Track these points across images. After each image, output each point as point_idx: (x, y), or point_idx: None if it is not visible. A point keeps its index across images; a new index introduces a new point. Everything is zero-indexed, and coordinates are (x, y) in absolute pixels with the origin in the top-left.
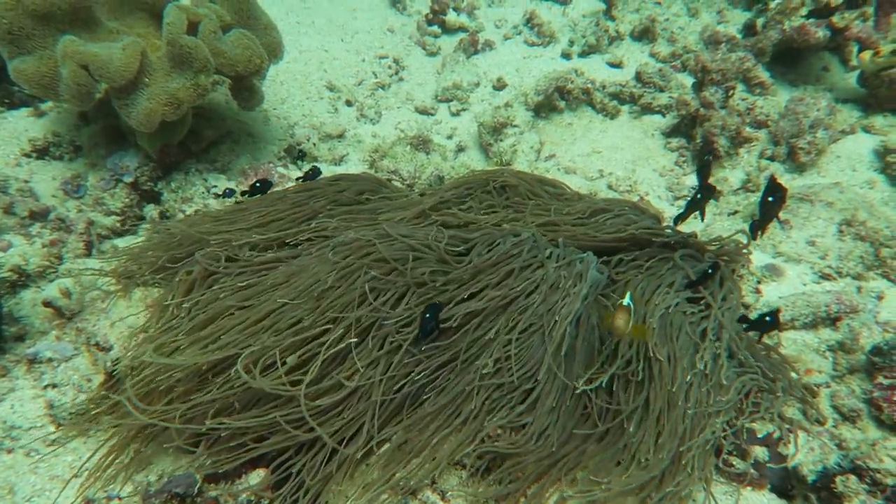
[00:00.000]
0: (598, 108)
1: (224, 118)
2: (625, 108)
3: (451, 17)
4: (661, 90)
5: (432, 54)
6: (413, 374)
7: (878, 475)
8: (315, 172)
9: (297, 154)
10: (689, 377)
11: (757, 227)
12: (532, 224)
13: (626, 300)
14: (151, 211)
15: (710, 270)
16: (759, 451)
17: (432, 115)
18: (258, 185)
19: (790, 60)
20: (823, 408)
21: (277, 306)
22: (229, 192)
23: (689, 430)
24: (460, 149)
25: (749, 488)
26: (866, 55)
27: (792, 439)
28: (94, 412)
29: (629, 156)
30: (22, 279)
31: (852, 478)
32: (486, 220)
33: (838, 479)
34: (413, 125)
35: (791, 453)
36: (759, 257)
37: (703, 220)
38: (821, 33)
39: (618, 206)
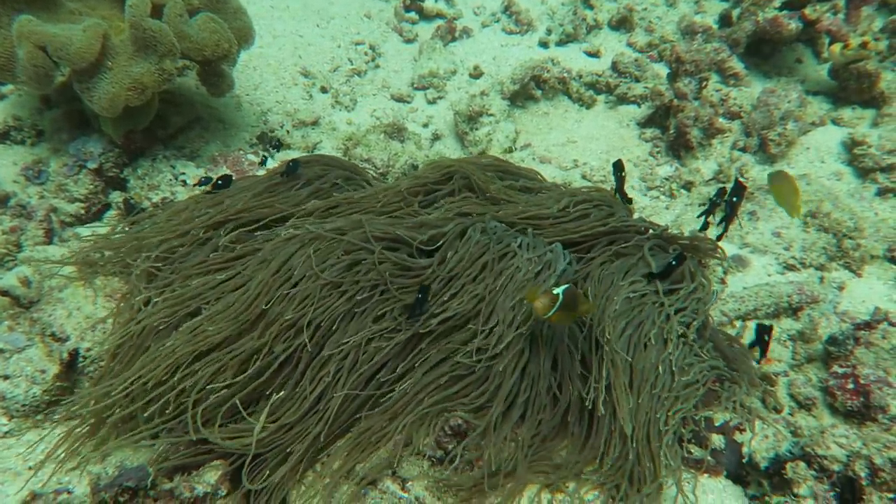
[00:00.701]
0: (575, 98)
1: (193, 104)
2: (601, 97)
3: (429, 4)
4: (637, 80)
5: (409, 41)
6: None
7: (825, 462)
8: (294, 166)
9: (272, 143)
10: (646, 364)
11: (725, 224)
12: (514, 216)
13: (559, 290)
14: (117, 198)
15: (674, 262)
16: (716, 439)
17: (408, 102)
18: (220, 182)
19: (764, 52)
20: (781, 396)
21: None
22: (205, 181)
23: (651, 419)
24: (436, 137)
25: (706, 475)
26: (836, 48)
27: (748, 427)
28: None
29: (604, 146)
30: None
31: (801, 464)
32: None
33: (788, 465)
34: (389, 113)
35: (746, 440)
36: (726, 248)
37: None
38: (793, 25)
39: (591, 196)
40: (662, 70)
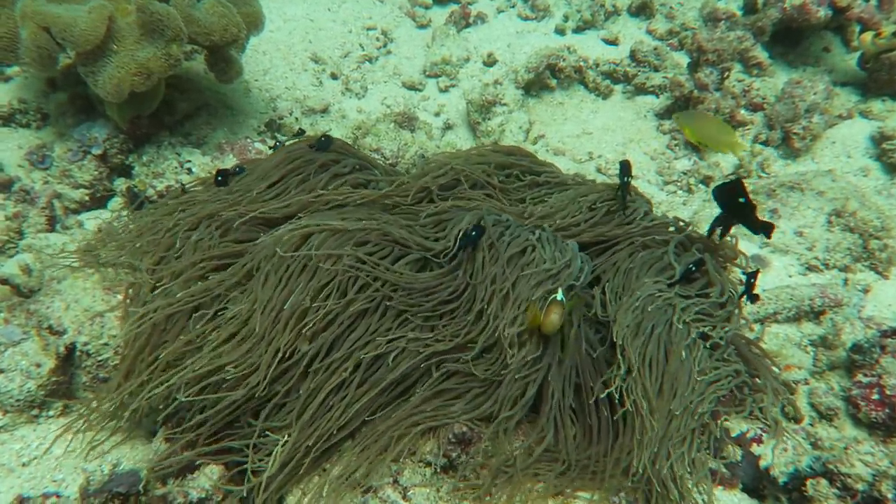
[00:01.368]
0: (591, 88)
1: (201, 89)
2: (618, 87)
3: None
4: (656, 70)
5: (422, 26)
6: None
7: (848, 480)
8: (327, 141)
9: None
10: (669, 370)
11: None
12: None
13: (559, 295)
14: (122, 185)
15: (693, 268)
16: (733, 450)
17: (420, 90)
18: (219, 178)
19: (790, 40)
20: (801, 405)
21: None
22: (240, 170)
23: (674, 426)
24: (448, 127)
25: (721, 487)
26: (867, 36)
27: (772, 439)
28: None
29: (620, 138)
30: None
31: (823, 482)
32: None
33: (809, 482)
34: (400, 101)
35: (764, 453)
36: (745, 247)
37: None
38: (822, 12)
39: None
40: (683, 59)
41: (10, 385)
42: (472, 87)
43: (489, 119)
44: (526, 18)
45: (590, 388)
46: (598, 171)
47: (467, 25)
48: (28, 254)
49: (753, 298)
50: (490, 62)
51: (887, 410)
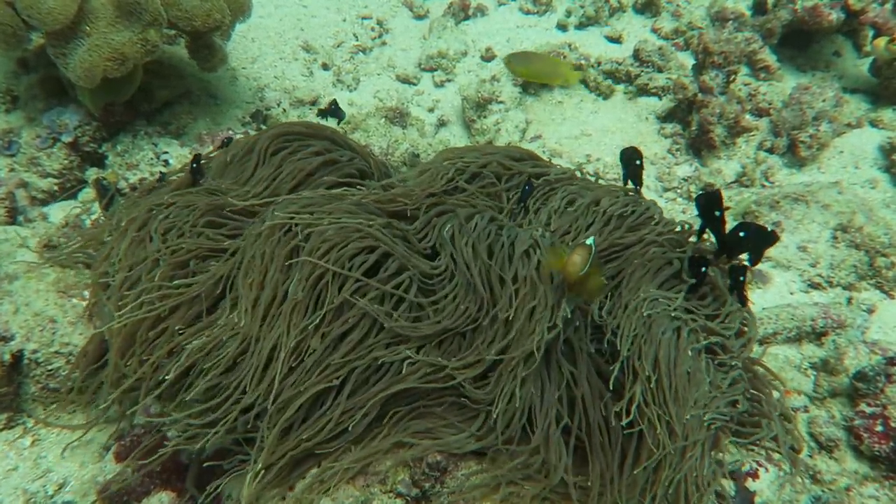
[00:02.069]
0: (592, 87)
1: (183, 76)
2: (620, 87)
3: None
4: (660, 70)
5: (420, 17)
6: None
7: None
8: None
9: (262, 119)
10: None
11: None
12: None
13: (590, 241)
14: (94, 175)
15: (703, 269)
16: (726, 484)
17: (415, 84)
18: (195, 165)
19: (800, 43)
20: (800, 434)
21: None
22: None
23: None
24: (442, 123)
25: None
26: (881, 42)
27: (764, 474)
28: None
29: (620, 140)
30: None
31: None
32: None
33: None
34: (393, 94)
35: (760, 489)
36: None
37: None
38: (834, 16)
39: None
40: (688, 60)
41: None
42: (468, 82)
43: (485, 117)
44: (527, 12)
45: (590, 401)
46: (596, 174)
47: (466, 18)
48: None
49: (742, 300)
50: (488, 57)
51: (892, 444)
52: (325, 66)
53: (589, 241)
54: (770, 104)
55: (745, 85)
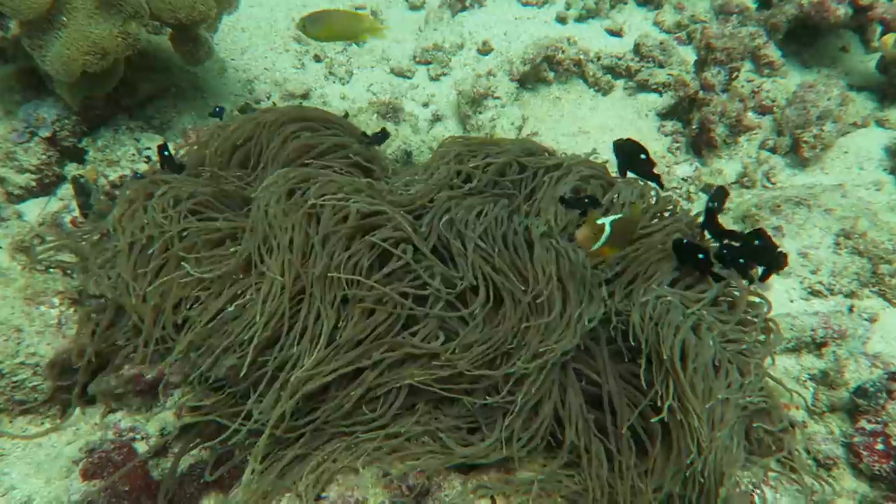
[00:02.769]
0: (591, 82)
1: (169, 68)
2: (619, 82)
3: None
4: (661, 66)
5: (415, 8)
6: None
7: None
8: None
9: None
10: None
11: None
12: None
13: (605, 220)
14: (74, 171)
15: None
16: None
17: (409, 77)
18: (165, 153)
19: (806, 38)
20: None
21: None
22: (219, 111)
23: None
24: (436, 118)
25: None
26: (889, 39)
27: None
28: None
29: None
30: None
31: None
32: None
33: None
34: (387, 88)
35: None
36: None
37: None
38: (842, 10)
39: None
40: (690, 55)
41: None
42: (464, 76)
43: (480, 113)
44: (526, 4)
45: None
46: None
47: (463, 9)
48: None
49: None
50: (485, 50)
51: (892, 463)
52: (317, 58)
53: (605, 220)
54: (773, 102)
55: (749, 81)
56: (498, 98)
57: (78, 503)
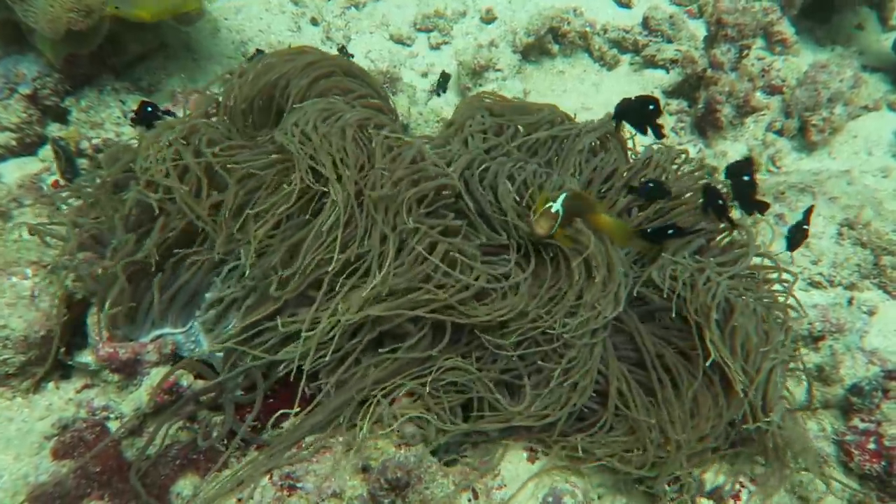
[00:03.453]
0: (596, 57)
1: (159, 27)
2: (626, 57)
3: None
4: (670, 41)
5: None
6: None
7: None
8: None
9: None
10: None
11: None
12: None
13: (556, 204)
14: (56, 132)
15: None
16: None
17: (409, 45)
18: (148, 109)
19: (821, 14)
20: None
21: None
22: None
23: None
24: (436, 89)
25: None
26: None
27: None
28: None
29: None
30: None
31: None
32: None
33: None
34: (385, 56)
35: None
36: None
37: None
38: None
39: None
40: (700, 30)
41: None
42: (465, 46)
43: (480, 85)
44: None
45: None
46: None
47: None
48: None
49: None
50: (489, 19)
51: (883, 463)
52: (314, 21)
53: (556, 204)
54: (784, 81)
55: (759, 59)
56: (500, 70)
57: (46, 483)
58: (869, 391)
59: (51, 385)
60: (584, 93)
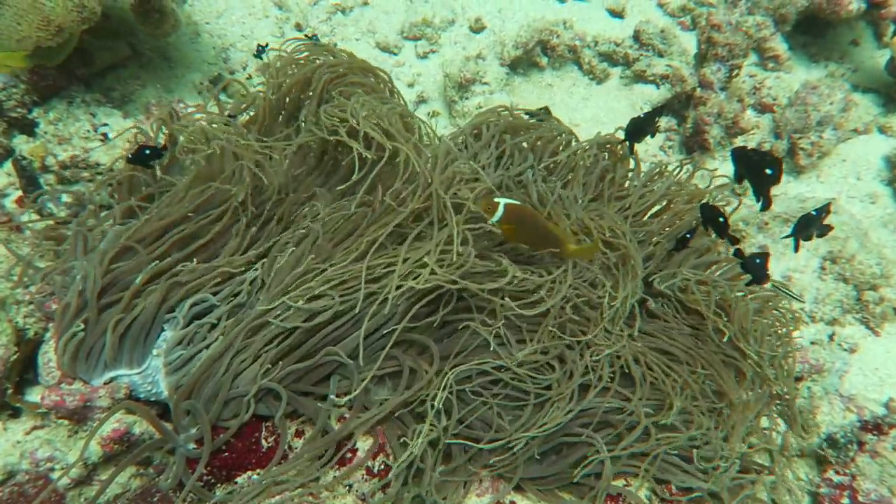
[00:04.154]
0: (586, 70)
1: (134, 33)
2: (616, 70)
3: None
4: (661, 55)
5: None
6: None
7: None
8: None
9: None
10: None
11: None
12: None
13: (501, 200)
14: (22, 144)
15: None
16: None
17: (395, 54)
18: (147, 152)
19: (815, 30)
20: (762, 496)
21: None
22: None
23: None
24: (421, 100)
25: None
26: None
27: None
28: None
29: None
30: None
31: None
32: None
33: None
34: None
35: None
36: None
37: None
38: (855, 5)
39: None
40: (691, 44)
41: None
42: (453, 56)
43: (467, 98)
44: None
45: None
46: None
47: None
48: None
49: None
50: (478, 28)
51: None
52: (298, 27)
53: (501, 199)
54: (775, 100)
55: (751, 76)
56: (486, 84)
57: None
58: (844, 444)
59: None
60: (573, 108)
